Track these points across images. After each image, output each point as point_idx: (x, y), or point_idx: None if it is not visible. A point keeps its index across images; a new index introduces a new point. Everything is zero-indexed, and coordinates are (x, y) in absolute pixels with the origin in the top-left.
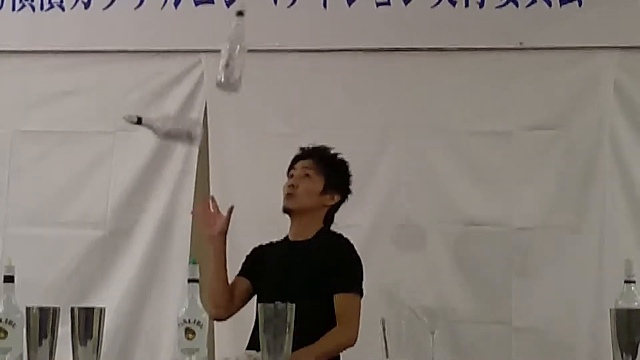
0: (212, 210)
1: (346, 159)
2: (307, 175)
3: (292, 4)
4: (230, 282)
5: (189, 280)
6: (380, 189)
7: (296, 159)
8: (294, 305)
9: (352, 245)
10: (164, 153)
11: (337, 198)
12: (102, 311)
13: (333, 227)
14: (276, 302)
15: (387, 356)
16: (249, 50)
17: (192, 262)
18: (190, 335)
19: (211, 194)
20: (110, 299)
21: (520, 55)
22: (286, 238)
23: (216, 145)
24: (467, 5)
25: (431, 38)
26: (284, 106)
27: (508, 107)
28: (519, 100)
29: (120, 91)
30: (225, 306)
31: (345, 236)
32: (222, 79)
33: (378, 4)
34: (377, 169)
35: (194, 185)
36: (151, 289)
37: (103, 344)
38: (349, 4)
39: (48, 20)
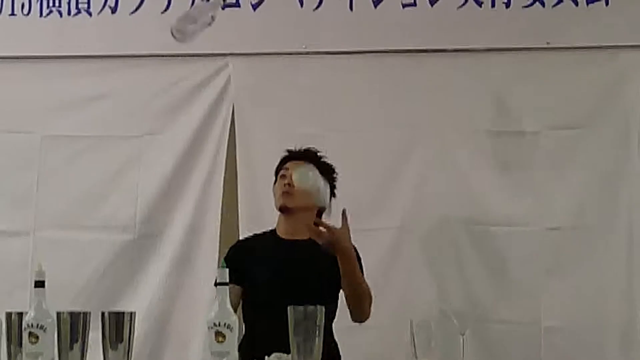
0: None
1: (331, 162)
2: None
3: (318, 6)
4: None
5: (219, 284)
6: (407, 191)
7: (285, 160)
8: (323, 307)
9: (356, 249)
10: (192, 156)
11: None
12: (132, 315)
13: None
14: (306, 305)
15: (416, 357)
16: (276, 53)
17: (222, 265)
18: (220, 339)
19: (239, 196)
20: (139, 303)
21: (547, 55)
22: (274, 234)
23: (244, 148)
24: (493, 5)
25: (457, 39)
26: (311, 108)
27: (535, 106)
28: (546, 100)
29: (147, 95)
30: None
31: None
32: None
33: (404, 5)
34: (404, 170)
35: (221, 188)
36: (180, 292)
37: (132, 348)
38: (375, 6)
39: (75, 25)
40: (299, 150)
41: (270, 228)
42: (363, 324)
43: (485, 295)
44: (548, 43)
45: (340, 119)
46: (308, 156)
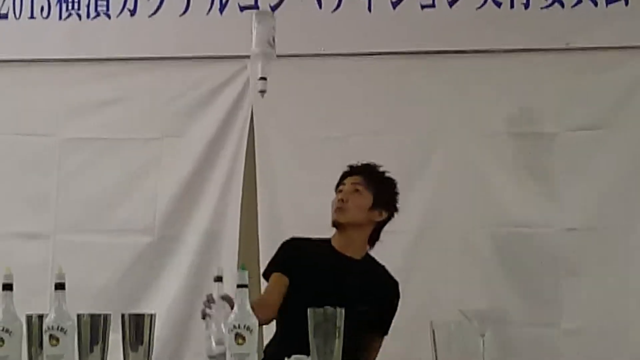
0: None
1: (393, 178)
2: (357, 190)
3: (336, 8)
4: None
5: (238, 286)
6: (426, 193)
7: (345, 175)
8: (343, 310)
9: (398, 286)
10: (211, 158)
11: (384, 215)
12: (152, 317)
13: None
14: (326, 307)
15: (435, 359)
16: (295, 55)
17: (241, 267)
18: (240, 341)
19: (258, 199)
20: (159, 305)
21: (566, 56)
22: (329, 244)
23: (263, 150)
24: (512, 6)
25: (476, 40)
26: (330, 111)
27: (554, 108)
28: (565, 101)
29: (166, 98)
30: (271, 314)
31: (387, 269)
32: None
33: (423, 7)
34: (423, 173)
35: (241, 191)
36: (200, 294)
37: (153, 350)
38: (394, 7)
39: (94, 28)
40: (358, 165)
41: (326, 236)
42: None
43: (505, 297)
44: (567, 44)
45: (360, 122)
46: (366, 171)
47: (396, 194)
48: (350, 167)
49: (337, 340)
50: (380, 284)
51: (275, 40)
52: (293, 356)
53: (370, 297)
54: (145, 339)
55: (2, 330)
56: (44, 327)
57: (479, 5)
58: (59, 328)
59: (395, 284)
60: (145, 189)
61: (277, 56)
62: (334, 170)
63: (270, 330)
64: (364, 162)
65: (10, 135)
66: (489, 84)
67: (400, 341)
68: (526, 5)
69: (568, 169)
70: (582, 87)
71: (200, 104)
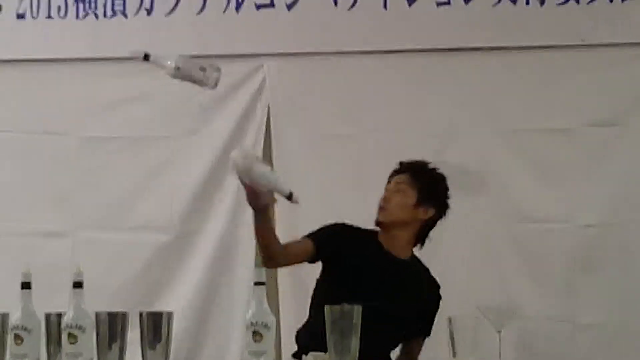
0: None
1: (443, 173)
2: (400, 189)
3: (352, 5)
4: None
5: (255, 283)
6: None
7: (393, 174)
8: (360, 307)
9: (439, 289)
10: (228, 156)
11: (431, 212)
12: (170, 315)
13: None
14: (343, 304)
15: (454, 355)
16: (311, 53)
17: (257, 265)
18: (257, 338)
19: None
20: (177, 303)
21: (582, 52)
22: (375, 238)
23: (279, 148)
24: (528, 3)
25: (492, 37)
26: (347, 108)
27: (570, 104)
28: (582, 97)
29: (183, 96)
30: (275, 257)
31: (430, 271)
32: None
33: (438, 4)
34: (440, 169)
35: None
36: (218, 292)
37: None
38: (409, 5)
39: (111, 27)
40: (407, 162)
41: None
42: None
43: (522, 293)
44: (583, 40)
45: (376, 119)
46: (413, 168)
47: (445, 190)
48: (400, 163)
49: (354, 337)
50: (424, 286)
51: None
52: (310, 353)
53: (415, 300)
54: (163, 336)
55: (21, 328)
56: (63, 325)
57: (494, 2)
58: (78, 326)
59: (438, 287)
60: (163, 187)
61: (294, 54)
62: (350, 167)
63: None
64: (414, 159)
65: (29, 134)
66: (505, 81)
67: None
68: (542, 2)
69: (585, 165)
70: (598, 83)
71: (217, 103)
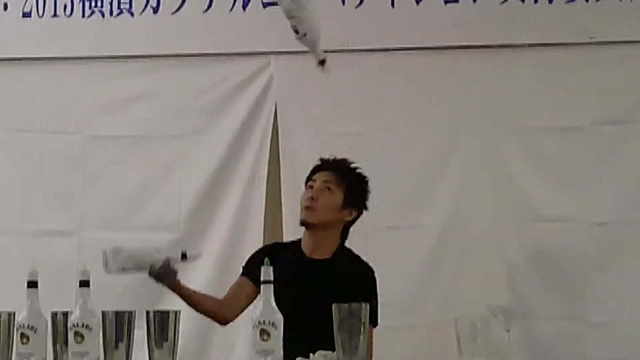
0: None
1: (365, 175)
2: (328, 188)
3: (359, 4)
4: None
5: (263, 282)
6: (452, 188)
7: (315, 170)
8: (368, 305)
9: (373, 273)
10: (235, 155)
11: (354, 214)
12: (177, 314)
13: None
14: (351, 303)
15: (462, 355)
16: None
17: (266, 264)
18: (265, 337)
19: (282, 195)
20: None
21: (590, 50)
22: (299, 249)
23: (287, 146)
24: (536, 1)
25: (500, 34)
26: (354, 106)
27: (579, 102)
28: (591, 95)
29: (190, 95)
30: (223, 315)
31: (362, 259)
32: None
33: (446, 2)
34: (449, 168)
35: (265, 187)
36: (225, 291)
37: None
38: (417, 3)
39: (117, 25)
40: (330, 159)
41: (299, 237)
42: (408, 322)
43: (532, 292)
44: (591, 38)
45: (384, 117)
46: (338, 166)
47: (367, 192)
48: (322, 160)
49: (362, 335)
50: (349, 280)
51: None
52: (318, 352)
53: (343, 294)
54: (170, 335)
55: (28, 327)
56: (69, 324)
57: (502, 0)
58: (84, 325)
59: (369, 271)
60: (170, 186)
61: (302, 52)
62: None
63: None
64: (337, 157)
65: (36, 133)
66: (514, 79)
67: (426, 337)
68: (550, 0)
69: (594, 163)
70: (607, 81)
71: (224, 101)
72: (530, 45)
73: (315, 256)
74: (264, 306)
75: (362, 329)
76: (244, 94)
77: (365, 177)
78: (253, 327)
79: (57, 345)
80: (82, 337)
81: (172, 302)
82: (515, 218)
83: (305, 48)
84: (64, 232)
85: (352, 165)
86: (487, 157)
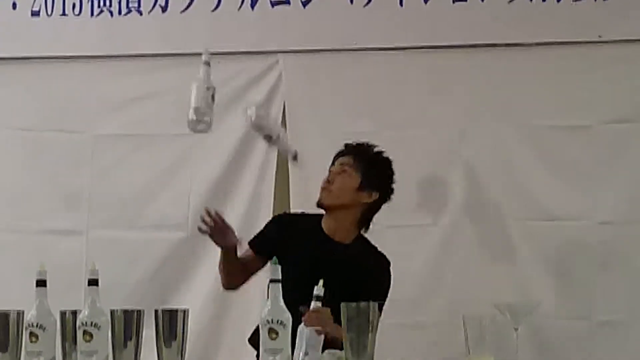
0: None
1: (389, 157)
2: (345, 171)
3: (368, 3)
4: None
5: (271, 281)
6: (458, 186)
7: (337, 156)
8: (377, 304)
9: (389, 266)
10: (243, 154)
11: (375, 196)
12: (185, 312)
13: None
14: (359, 302)
15: (469, 353)
16: (327, 50)
17: (274, 262)
18: (273, 335)
19: (291, 194)
20: (193, 300)
21: (599, 49)
22: (319, 226)
23: (295, 145)
24: None
25: (508, 33)
26: (363, 105)
27: (587, 100)
28: (599, 94)
29: None
30: (237, 281)
31: (379, 250)
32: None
33: (454, 1)
34: (457, 166)
35: (273, 186)
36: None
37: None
38: (425, 2)
39: (126, 24)
40: (352, 144)
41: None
42: (415, 320)
43: (539, 290)
44: (600, 36)
45: (392, 116)
46: (356, 149)
47: (390, 174)
48: (345, 145)
49: (370, 334)
50: (365, 269)
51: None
52: (327, 351)
53: (354, 283)
54: (179, 334)
55: (36, 326)
56: (78, 323)
57: None
58: (93, 324)
59: (385, 263)
60: (178, 184)
61: (310, 51)
62: None
63: None
64: (360, 141)
65: (43, 131)
66: (521, 78)
67: (433, 335)
68: None
69: (602, 161)
70: (615, 80)
71: (233, 100)
72: (538, 43)
73: (336, 238)
74: (272, 305)
75: (370, 328)
76: (253, 92)
77: (386, 158)
78: (262, 326)
79: (66, 344)
80: (91, 335)
81: (181, 301)
82: (523, 216)
83: (314, 47)
84: (72, 230)
85: (375, 149)
86: (495, 155)
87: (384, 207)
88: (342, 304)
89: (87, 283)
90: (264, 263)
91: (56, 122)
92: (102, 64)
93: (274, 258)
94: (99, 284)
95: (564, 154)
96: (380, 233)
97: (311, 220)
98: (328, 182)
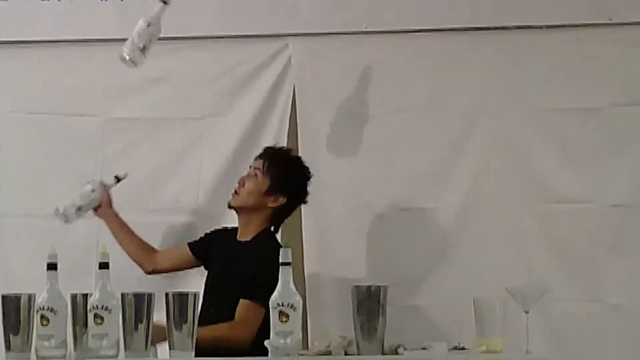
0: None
1: (304, 163)
2: (255, 175)
3: None
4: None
5: (282, 264)
6: (469, 170)
7: (255, 158)
8: (387, 286)
9: (273, 255)
10: (253, 138)
11: (281, 200)
12: (196, 296)
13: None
14: (369, 285)
15: (480, 336)
16: (337, 33)
17: (285, 245)
18: (284, 318)
19: None
20: (203, 283)
21: (609, 31)
22: (236, 233)
23: (305, 128)
24: None
25: (519, 16)
26: (373, 88)
27: (598, 83)
28: (609, 77)
29: (208, 77)
30: (142, 262)
31: (276, 241)
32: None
33: None
34: (466, 150)
35: None
36: None
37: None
38: None
39: (136, 7)
40: (270, 147)
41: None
42: (425, 303)
43: (549, 274)
44: (610, 19)
45: (401, 100)
46: (270, 154)
47: (301, 181)
48: (264, 149)
49: (380, 317)
50: (255, 252)
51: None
52: (339, 335)
53: (239, 272)
54: (189, 317)
55: (47, 309)
56: (89, 306)
57: None
58: (104, 307)
59: (257, 258)
60: (188, 168)
61: (320, 34)
62: (376, 148)
63: None
64: (278, 145)
65: (53, 115)
66: (531, 60)
67: (444, 319)
68: None
69: (612, 144)
70: (626, 62)
71: (243, 83)
72: (549, 26)
73: (240, 238)
74: (283, 288)
75: (380, 310)
76: (262, 76)
77: (300, 164)
78: (272, 309)
79: (77, 327)
80: (102, 319)
81: (191, 284)
82: (533, 200)
83: (324, 30)
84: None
85: (288, 153)
86: (505, 138)
87: (394, 191)
88: (352, 287)
89: (97, 266)
90: (193, 263)
91: (66, 105)
92: (112, 47)
93: (285, 242)
94: (110, 267)
95: (574, 137)
96: (390, 217)
97: (230, 235)
98: (239, 184)
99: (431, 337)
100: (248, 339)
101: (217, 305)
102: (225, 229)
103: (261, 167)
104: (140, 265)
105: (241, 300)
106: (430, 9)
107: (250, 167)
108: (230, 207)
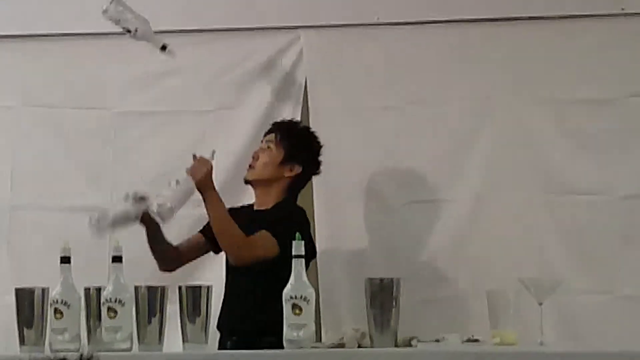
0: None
1: (314, 132)
2: (269, 147)
3: None
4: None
5: (295, 256)
6: (482, 161)
7: (265, 134)
8: (400, 279)
9: (297, 214)
10: (266, 129)
11: (297, 169)
12: (209, 289)
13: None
14: (382, 277)
15: (493, 328)
16: (348, 25)
17: (297, 238)
18: (297, 311)
19: None
20: (216, 276)
21: (623, 21)
22: (251, 206)
23: (317, 120)
24: None
25: (532, 7)
26: (385, 80)
27: (611, 74)
28: (622, 67)
29: (219, 70)
30: (170, 264)
31: (298, 207)
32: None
33: None
34: (480, 141)
35: None
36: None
37: (210, 321)
38: None
39: (148, 1)
40: (277, 122)
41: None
42: (439, 295)
43: (562, 265)
44: (623, 9)
45: (414, 91)
46: (281, 126)
47: (314, 148)
48: (272, 124)
49: (394, 310)
50: (279, 214)
51: None
52: (351, 328)
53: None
54: (203, 310)
55: (61, 302)
56: (102, 299)
57: None
58: (117, 300)
59: (298, 209)
60: None
61: (332, 26)
62: (388, 139)
63: None
64: (286, 119)
65: (65, 109)
66: (545, 51)
67: (458, 310)
68: None
69: (626, 135)
70: (639, 53)
71: (254, 76)
72: (561, 17)
73: (259, 208)
74: (296, 280)
75: (394, 303)
76: (274, 68)
77: (311, 133)
78: (285, 302)
79: (91, 320)
80: (115, 312)
81: (205, 277)
82: (546, 191)
83: (336, 22)
84: (96, 207)
85: (297, 124)
86: (519, 129)
87: (407, 181)
88: (366, 279)
89: (111, 260)
90: (204, 243)
91: (78, 99)
92: (124, 40)
93: (297, 234)
94: (123, 260)
95: (587, 127)
96: (403, 208)
97: (246, 208)
98: (253, 158)
99: (445, 329)
100: (246, 261)
101: (240, 275)
102: (240, 207)
103: (273, 139)
104: (166, 268)
105: (262, 230)
106: (442, 1)
107: (262, 141)
108: (246, 182)
